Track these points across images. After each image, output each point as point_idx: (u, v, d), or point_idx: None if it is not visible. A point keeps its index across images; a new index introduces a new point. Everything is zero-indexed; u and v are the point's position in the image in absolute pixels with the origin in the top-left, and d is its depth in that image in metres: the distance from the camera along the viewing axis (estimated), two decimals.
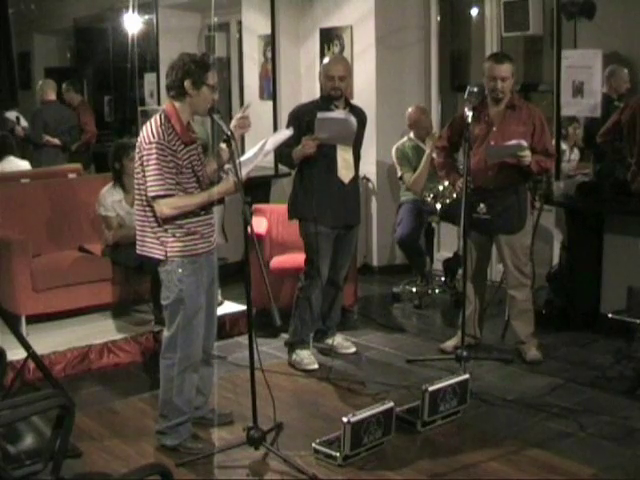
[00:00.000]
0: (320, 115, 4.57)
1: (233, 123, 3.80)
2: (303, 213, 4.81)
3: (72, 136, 8.21)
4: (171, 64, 3.65)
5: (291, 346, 4.93)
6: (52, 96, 8.11)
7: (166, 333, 3.75)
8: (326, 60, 4.94)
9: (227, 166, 3.76)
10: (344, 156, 4.79)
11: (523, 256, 4.89)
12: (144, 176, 3.59)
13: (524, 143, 4.58)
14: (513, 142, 4.62)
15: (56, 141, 7.97)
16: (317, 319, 4.98)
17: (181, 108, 3.64)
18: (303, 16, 7.40)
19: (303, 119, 4.69)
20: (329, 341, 5.03)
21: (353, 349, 5.14)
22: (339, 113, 4.69)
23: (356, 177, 4.92)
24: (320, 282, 4.82)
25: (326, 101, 4.78)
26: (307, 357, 4.87)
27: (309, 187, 4.75)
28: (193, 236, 3.66)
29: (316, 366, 4.83)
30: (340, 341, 5.12)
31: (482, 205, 4.78)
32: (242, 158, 3.79)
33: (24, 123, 8.02)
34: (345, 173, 4.81)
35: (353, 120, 4.60)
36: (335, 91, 4.72)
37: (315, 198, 4.70)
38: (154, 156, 3.53)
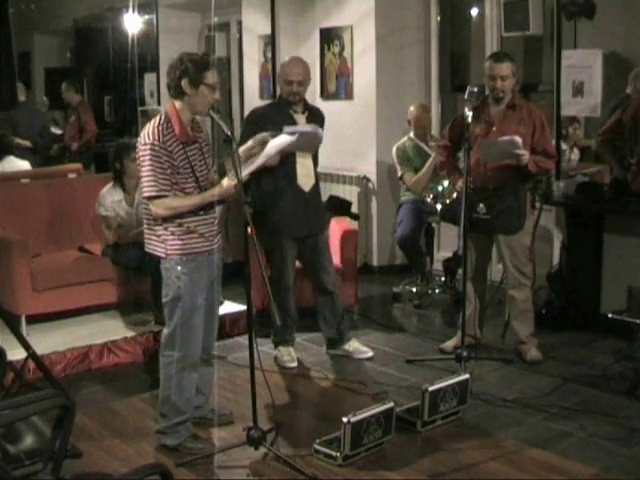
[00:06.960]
0: (288, 129, 4.16)
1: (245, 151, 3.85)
2: (263, 223, 4.54)
3: (43, 138, 8.10)
4: (170, 63, 3.67)
5: (275, 344, 4.98)
6: (22, 97, 7.88)
7: (165, 331, 3.76)
8: (285, 61, 4.80)
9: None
10: (304, 162, 4.66)
11: (523, 256, 4.89)
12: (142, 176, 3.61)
13: (517, 139, 4.57)
14: (505, 138, 4.61)
15: (27, 143, 7.83)
16: (295, 318, 4.95)
17: (181, 108, 3.65)
18: (303, 16, 7.40)
19: (263, 124, 4.36)
20: (346, 347, 4.99)
21: (370, 354, 5.01)
22: (307, 126, 4.47)
23: (317, 184, 4.80)
24: (287, 285, 4.79)
25: (284, 104, 4.67)
26: (287, 354, 4.90)
27: (269, 198, 4.62)
28: (192, 235, 3.67)
29: (295, 364, 4.85)
30: (357, 346, 5.04)
31: (481, 205, 4.78)
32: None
33: None
34: (306, 181, 4.69)
35: (321, 132, 4.42)
36: (294, 96, 4.63)
37: (276, 209, 4.60)
38: (148, 157, 3.55)
